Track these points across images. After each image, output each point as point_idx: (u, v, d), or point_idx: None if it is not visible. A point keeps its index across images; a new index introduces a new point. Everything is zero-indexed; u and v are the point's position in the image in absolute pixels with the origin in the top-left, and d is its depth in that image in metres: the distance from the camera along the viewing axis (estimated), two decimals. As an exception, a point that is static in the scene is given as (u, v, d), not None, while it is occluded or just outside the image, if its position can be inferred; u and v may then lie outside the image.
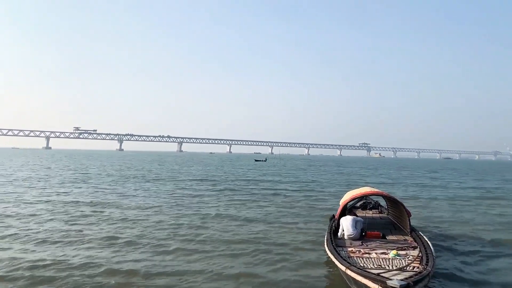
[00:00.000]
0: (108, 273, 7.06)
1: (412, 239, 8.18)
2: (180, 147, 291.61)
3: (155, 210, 14.17)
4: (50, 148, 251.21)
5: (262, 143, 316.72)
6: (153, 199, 17.52)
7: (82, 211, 13.66)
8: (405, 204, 9.09)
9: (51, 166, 47.39)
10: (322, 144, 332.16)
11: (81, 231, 10.45)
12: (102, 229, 10.78)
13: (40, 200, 16.30)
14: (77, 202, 15.97)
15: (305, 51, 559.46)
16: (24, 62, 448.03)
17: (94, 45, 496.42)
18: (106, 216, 12.74)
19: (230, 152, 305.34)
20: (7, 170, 36.61)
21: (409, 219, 8.78)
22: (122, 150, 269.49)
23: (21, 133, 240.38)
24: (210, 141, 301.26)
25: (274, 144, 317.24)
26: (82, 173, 34.38)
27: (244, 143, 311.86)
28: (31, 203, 15.53)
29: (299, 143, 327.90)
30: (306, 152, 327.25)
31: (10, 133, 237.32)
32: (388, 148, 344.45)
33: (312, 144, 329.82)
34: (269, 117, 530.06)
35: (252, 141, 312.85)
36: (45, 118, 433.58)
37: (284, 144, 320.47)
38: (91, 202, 16.02)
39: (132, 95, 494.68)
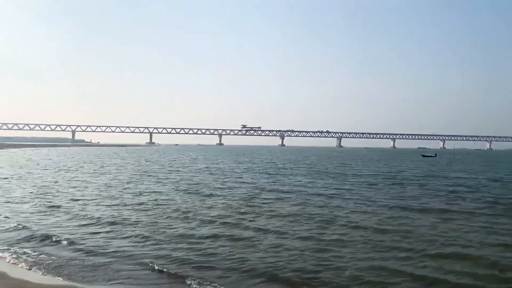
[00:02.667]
0: None
1: None
2: (340, 142, 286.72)
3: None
4: (222, 144, 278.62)
5: (431, 137, 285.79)
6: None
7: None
8: None
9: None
10: (510, 137, 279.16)
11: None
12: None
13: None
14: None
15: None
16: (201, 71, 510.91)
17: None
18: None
19: (394, 147, 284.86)
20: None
21: None
22: (284, 145, 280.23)
23: (199, 132, 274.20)
24: (370, 135, 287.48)
25: (446, 137, 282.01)
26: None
27: (410, 137, 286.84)
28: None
29: (478, 136, 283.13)
30: (488, 146, 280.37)
31: (190, 131, 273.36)
32: None
33: (496, 137, 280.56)
34: (438, 103, 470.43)
35: (419, 134, 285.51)
36: (217, 117, 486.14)
37: (458, 138, 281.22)
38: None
39: (291, 93, 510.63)
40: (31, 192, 19.14)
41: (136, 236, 10.72)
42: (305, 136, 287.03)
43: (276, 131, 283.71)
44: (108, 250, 9.48)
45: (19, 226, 11.82)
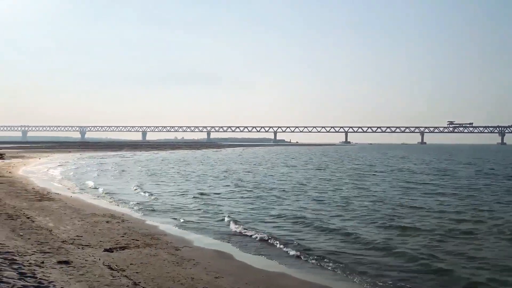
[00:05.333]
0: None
1: None
2: None
3: None
4: (425, 143, 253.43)
5: None
6: None
7: None
8: None
9: None
10: None
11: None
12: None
13: None
14: None
15: None
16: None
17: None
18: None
19: None
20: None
21: None
22: (505, 144, 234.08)
23: (397, 130, 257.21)
24: None
25: None
26: None
27: None
28: None
29: None
30: None
31: (387, 130, 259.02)
32: None
33: None
34: None
35: None
36: (419, 113, 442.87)
37: None
38: None
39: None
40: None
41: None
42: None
43: (494, 127, 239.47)
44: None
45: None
